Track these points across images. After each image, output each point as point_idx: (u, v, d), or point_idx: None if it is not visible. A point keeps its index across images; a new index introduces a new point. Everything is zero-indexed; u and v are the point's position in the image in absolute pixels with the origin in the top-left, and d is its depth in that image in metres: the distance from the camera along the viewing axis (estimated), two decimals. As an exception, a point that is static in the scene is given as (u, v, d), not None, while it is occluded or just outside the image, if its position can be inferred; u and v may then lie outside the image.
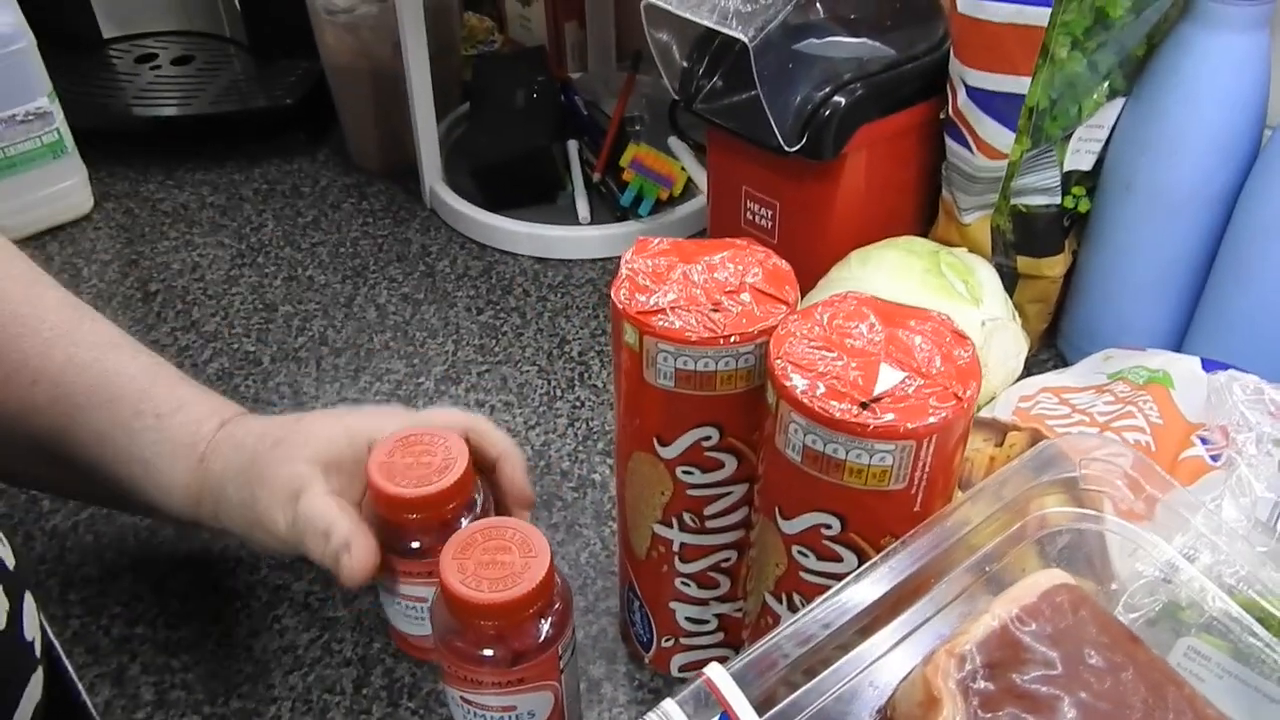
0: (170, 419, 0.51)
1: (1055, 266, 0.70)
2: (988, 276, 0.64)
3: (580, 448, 0.68)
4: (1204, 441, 0.50)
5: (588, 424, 0.70)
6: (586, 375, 0.74)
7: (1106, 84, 0.62)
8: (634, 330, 0.43)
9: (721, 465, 0.46)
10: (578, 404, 0.72)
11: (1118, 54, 0.60)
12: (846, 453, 0.38)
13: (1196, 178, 0.63)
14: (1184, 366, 0.58)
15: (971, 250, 0.70)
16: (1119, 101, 0.64)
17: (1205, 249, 0.65)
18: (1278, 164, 0.59)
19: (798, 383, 0.39)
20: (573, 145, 0.95)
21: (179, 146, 0.99)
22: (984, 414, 0.58)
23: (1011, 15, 0.56)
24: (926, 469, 0.39)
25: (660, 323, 0.42)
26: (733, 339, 0.42)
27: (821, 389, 0.38)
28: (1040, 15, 0.55)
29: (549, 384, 0.74)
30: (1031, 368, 0.75)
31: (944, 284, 0.62)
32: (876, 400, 0.38)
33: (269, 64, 1.04)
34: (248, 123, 1.00)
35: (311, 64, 0.99)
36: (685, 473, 0.46)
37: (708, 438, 0.45)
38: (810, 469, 0.40)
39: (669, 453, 0.46)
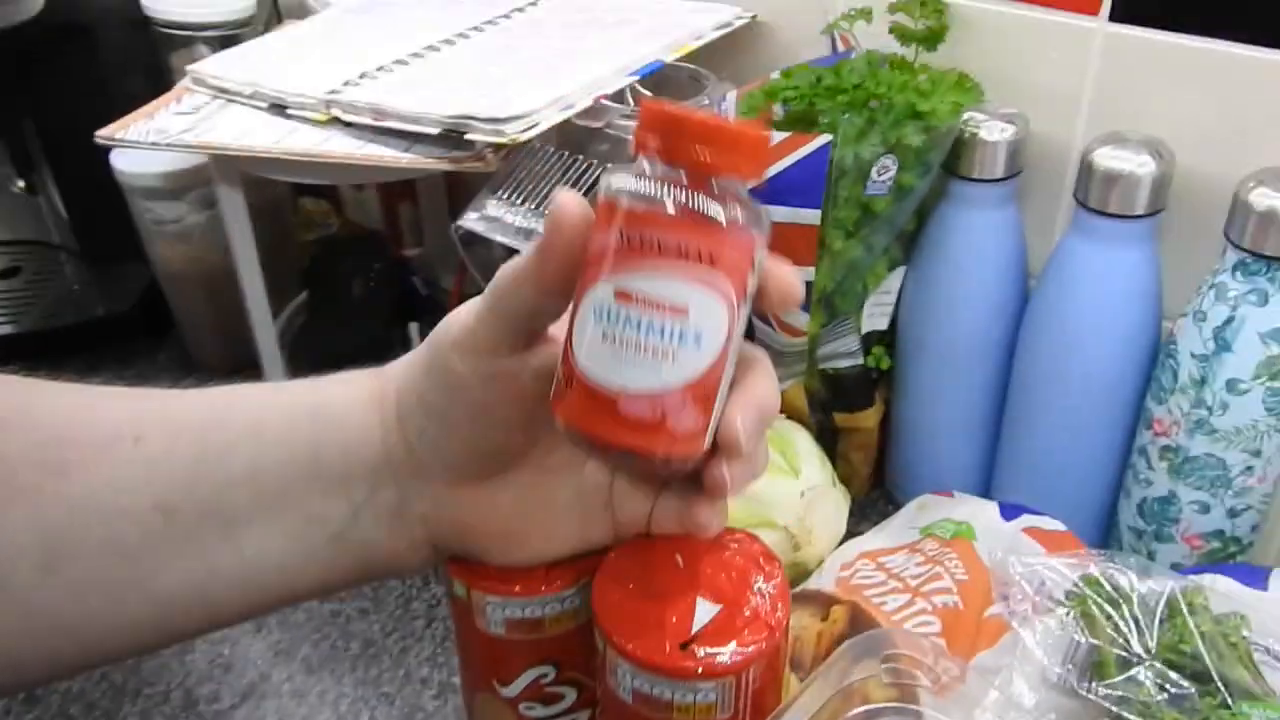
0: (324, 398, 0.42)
1: (869, 418, 0.75)
2: (804, 444, 0.68)
3: (439, 650, 0.69)
4: (1003, 598, 0.55)
5: (445, 623, 0.71)
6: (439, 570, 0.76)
7: (885, 258, 0.68)
8: (461, 584, 0.44)
9: (562, 698, 0.47)
10: (434, 602, 0.73)
11: (889, 234, 0.66)
12: (673, 694, 0.40)
13: (974, 334, 0.69)
14: (985, 516, 0.63)
15: (791, 412, 0.74)
16: (900, 269, 0.70)
17: (995, 395, 0.71)
18: (1040, 320, 0.66)
19: (620, 629, 0.40)
20: (414, 328, 0.97)
21: (13, 364, 0.98)
22: (810, 585, 0.61)
23: (788, 216, 0.61)
24: (749, 695, 0.41)
25: (486, 574, 0.43)
26: (556, 584, 0.43)
27: (643, 634, 0.40)
28: (813, 216, 0.61)
29: (404, 583, 0.75)
30: (864, 506, 0.79)
31: (763, 458, 0.66)
32: (695, 639, 0.40)
33: (103, 269, 1.04)
34: (86, 334, 0.99)
35: (146, 266, 0.99)
36: (528, 708, 0.47)
37: (545, 675, 0.46)
38: (642, 709, 0.41)
39: (509, 692, 0.46)
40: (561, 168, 0.64)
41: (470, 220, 0.63)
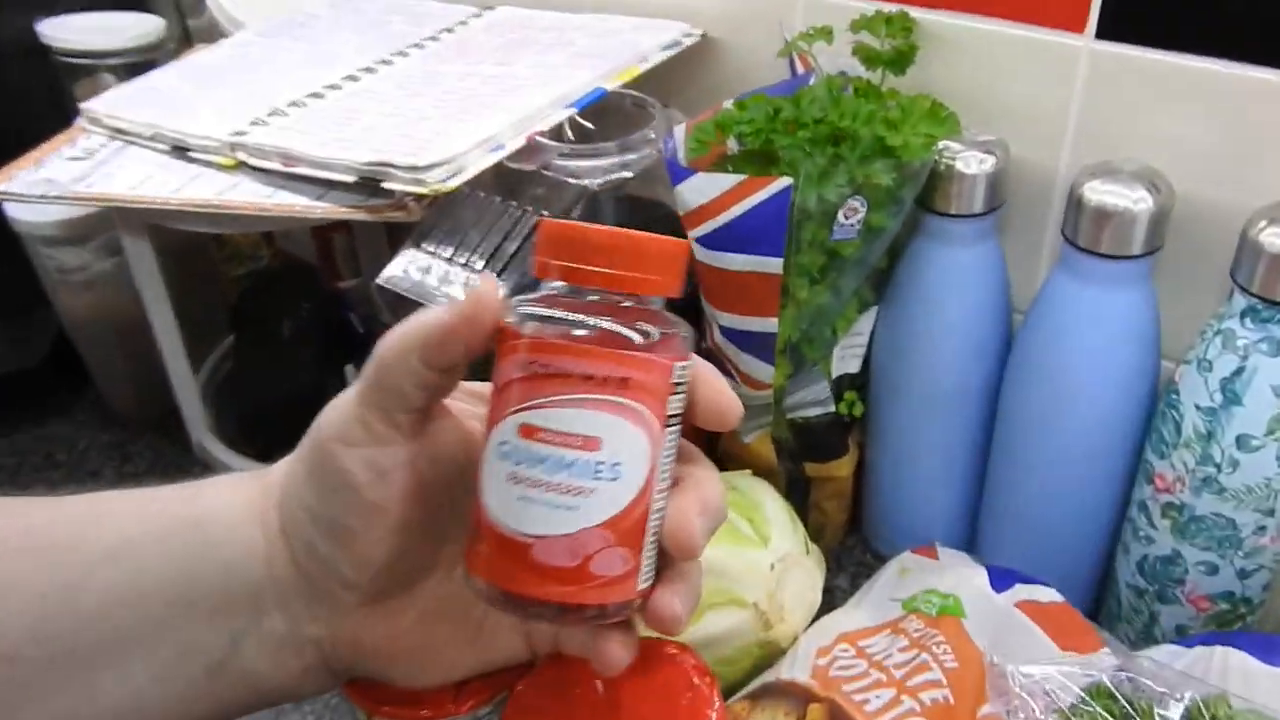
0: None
1: (843, 467, 0.69)
2: (773, 508, 0.62)
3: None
4: (1000, 694, 0.49)
5: None
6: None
7: (856, 300, 0.62)
8: (361, 711, 0.39)
9: None
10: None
11: (859, 276, 0.60)
12: None
13: (954, 377, 0.63)
14: (974, 587, 0.57)
15: (757, 464, 0.68)
16: (873, 310, 0.64)
17: (979, 441, 0.65)
18: (1027, 364, 0.60)
19: None
20: (350, 370, 0.90)
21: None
22: (784, 674, 0.55)
23: (747, 264, 0.55)
24: None
25: (388, 696, 0.38)
26: (468, 703, 0.38)
27: None
28: (775, 264, 0.55)
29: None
30: (840, 555, 0.74)
31: (728, 528, 0.60)
32: None
33: (9, 321, 0.96)
34: (-5, 389, 0.91)
35: (55, 317, 0.92)
36: None
37: None
38: None
39: None
40: (494, 215, 0.57)
41: (393, 276, 0.56)
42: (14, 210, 0.79)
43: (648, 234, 0.32)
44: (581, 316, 0.31)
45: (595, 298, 0.32)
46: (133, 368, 0.88)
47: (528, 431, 0.31)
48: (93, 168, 0.68)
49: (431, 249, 0.57)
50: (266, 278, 1.01)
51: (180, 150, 0.67)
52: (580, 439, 0.31)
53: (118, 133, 0.70)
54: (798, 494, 0.69)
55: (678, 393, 0.32)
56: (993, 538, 0.66)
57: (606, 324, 0.31)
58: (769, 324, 0.58)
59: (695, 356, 0.34)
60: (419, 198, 0.57)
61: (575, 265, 0.31)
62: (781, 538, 0.61)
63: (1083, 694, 0.42)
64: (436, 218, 0.58)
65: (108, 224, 0.79)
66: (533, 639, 0.38)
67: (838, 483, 0.70)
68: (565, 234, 0.32)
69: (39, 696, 0.35)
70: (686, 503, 0.33)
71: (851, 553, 0.75)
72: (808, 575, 0.61)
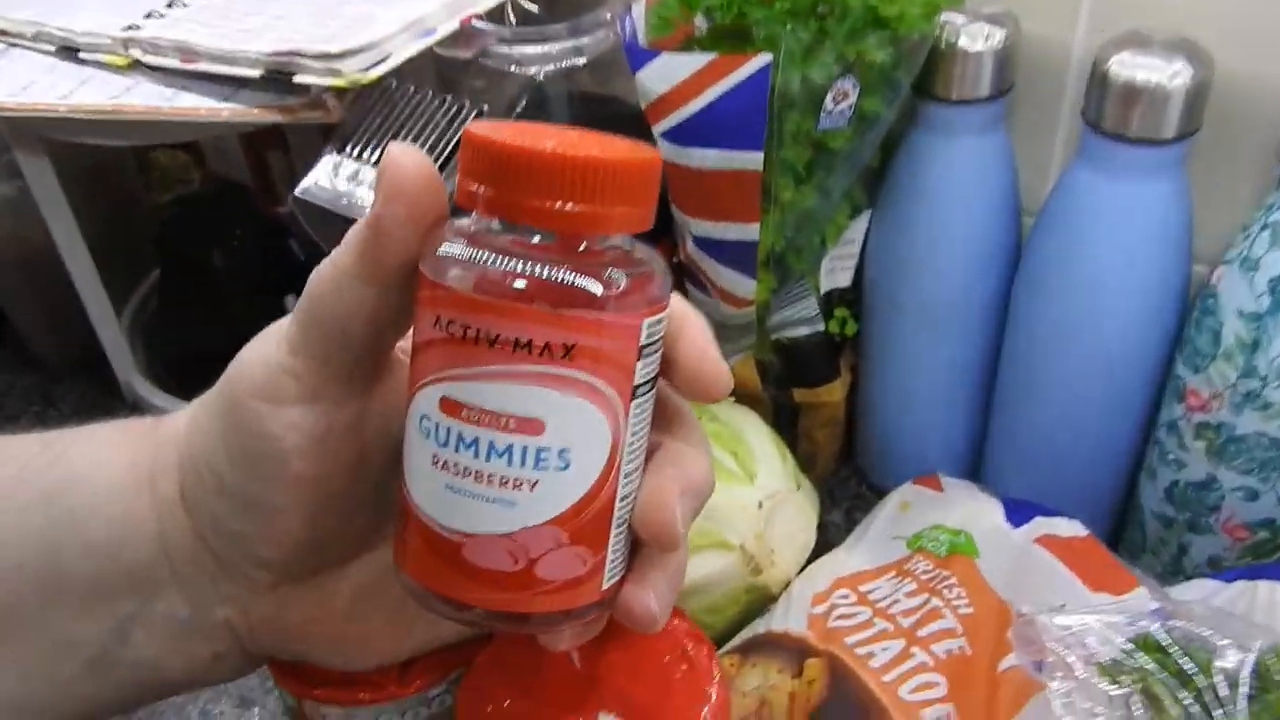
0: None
1: (834, 392, 0.62)
2: (758, 439, 0.55)
3: None
4: (1026, 642, 0.43)
5: None
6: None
7: (846, 203, 0.55)
8: (289, 694, 0.34)
9: None
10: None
11: (850, 175, 0.53)
12: None
13: (958, 287, 0.56)
14: (986, 521, 0.51)
15: (741, 389, 0.61)
16: (865, 214, 0.57)
17: (986, 359, 0.59)
18: (1040, 269, 0.53)
19: None
20: (291, 301, 0.82)
21: None
22: (775, 626, 0.49)
23: (722, 161, 0.48)
24: None
25: (320, 678, 0.33)
26: (415, 683, 0.33)
27: None
28: (753, 159, 0.47)
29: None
30: (833, 488, 0.68)
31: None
32: None
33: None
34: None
35: (-40, 253, 0.83)
36: None
37: None
38: None
39: None
40: (426, 113, 0.49)
41: (310, 187, 0.49)
42: (-108, 130, 0.70)
43: (605, 144, 0.24)
44: (516, 262, 0.24)
45: (537, 238, 0.24)
46: (50, 305, 0.80)
47: (450, 407, 0.24)
48: (-31, 75, 0.59)
49: (356, 152, 0.49)
50: (194, 202, 0.92)
51: (68, 51, 0.58)
52: (515, 420, 0.24)
53: (-2, 34, 0.61)
54: (785, 423, 0.63)
55: (648, 355, 0.25)
56: (1000, 466, 0.60)
57: (549, 273, 0.24)
58: (749, 231, 0.50)
59: (676, 300, 0.26)
60: (338, 93, 0.49)
61: (508, 198, 0.24)
62: (769, 473, 0.54)
63: (1128, 646, 0.36)
64: (361, 117, 0.50)
65: (3, 143, 0.71)
66: None
67: (829, 409, 0.63)
68: (495, 153, 0.24)
69: None
70: (663, 482, 0.26)
71: (846, 485, 0.68)
72: (799, 513, 0.54)
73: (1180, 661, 0.35)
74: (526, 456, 0.24)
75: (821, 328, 0.59)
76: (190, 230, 0.83)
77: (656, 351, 0.26)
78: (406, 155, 0.25)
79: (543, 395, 0.24)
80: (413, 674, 0.33)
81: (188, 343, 0.77)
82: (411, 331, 0.26)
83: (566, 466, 0.24)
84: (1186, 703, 0.35)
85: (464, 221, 0.25)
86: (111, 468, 0.30)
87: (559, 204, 0.23)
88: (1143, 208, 0.49)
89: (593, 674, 0.31)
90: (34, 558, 0.29)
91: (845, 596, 0.49)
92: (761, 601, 0.53)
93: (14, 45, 0.61)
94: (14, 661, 0.30)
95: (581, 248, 0.24)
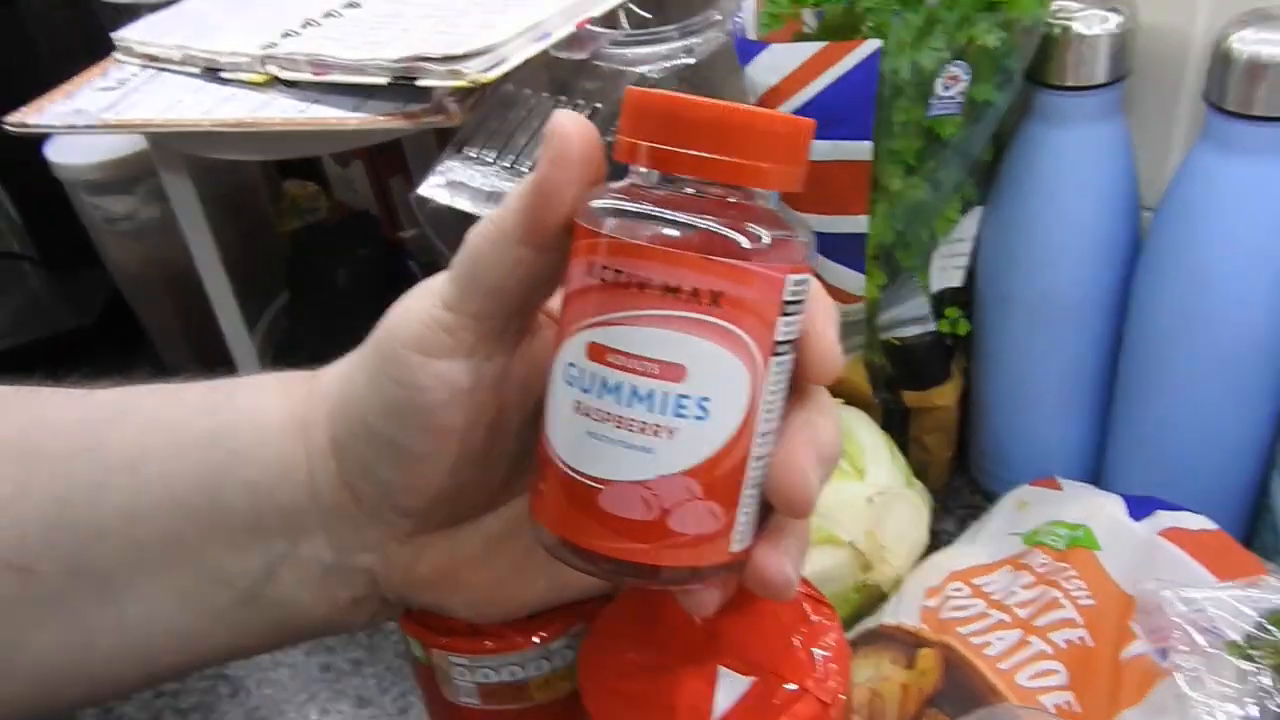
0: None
1: (946, 395, 0.61)
2: (868, 437, 0.55)
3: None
4: (1151, 631, 0.41)
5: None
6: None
7: (957, 197, 0.54)
8: (418, 643, 0.34)
9: None
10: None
11: (962, 167, 0.52)
12: None
13: (1075, 282, 0.55)
14: (1107, 516, 0.50)
15: (850, 394, 0.61)
16: (976, 210, 0.56)
17: (1105, 356, 0.57)
18: (1163, 257, 0.51)
19: (615, 714, 0.30)
20: (411, 318, 0.85)
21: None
22: (887, 620, 0.48)
23: (829, 152, 0.48)
24: None
25: (449, 628, 0.33)
26: (540, 636, 0.33)
27: None
28: (862, 149, 0.47)
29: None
30: (945, 499, 0.66)
31: (818, 457, 0.53)
32: None
33: (66, 276, 0.93)
34: (51, 349, 0.89)
35: (108, 273, 0.89)
36: None
37: None
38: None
39: None
40: (541, 114, 0.51)
41: (432, 185, 0.51)
42: (53, 155, 0.76)
43: (761, 109, 0.25)
44: (670, 213, 0.25)
45: (691, 190, 0.25)
46: (187, 324, 0.85)
47: (596, 353, 0.25)
48: (122, 96, 0.63)
49: (474, 154, 0.52)
50: (323, 229, 0.97)
51: (212, 72, 0.62)
52: (659, 365, 0.25)
53: (149, 60, 0.66)
54: (896, 428, 0.62)
55: (790, 313, 0.26)
56: (1122, 468, 0.58)
57: (701, 223, 0.25)
58: (858, 223, 0.51)
59: (815, 283, 0.27)
60: (460, 96, 0.51)
61: (665, 147, 0.25)
62: (879, 469, 0.54)
63: (1260, 621, 0.34)
64: (480, 120, 0.52)
65: (151, 168, 0.75)
66: None
67: (940, 413, 0.62)
68: (655, 106, 0.25)
69: (58, 613, 0.31)
70: (797, 448, 0.26)
71: (959, 494, 0.67)
72: (911, 511, 0.53)
73: (1320, 637, 0.34)
74: (667, 403, 0.25)
75: (932, 327, 0.58)
76: (318, 253, 0.87)
77: (797, 313, 0.26)
78: (571, 121, 0.26)
79: (687, 341, 0.25)
80: (536, 625, 0.33)
81: (314, 359, 0.80)
82: (560, 293, 0.27)
83: (705, 416, 0.25)
84: (1328, 680, 0.33)
85: (619, 183, 0.26)
86: (271, 414, 0.32)
87: (717, 155, 0.24)
88: (1270, 188, 0.47)
89: (713, 631, 0.32)
90: (196, 493, 0.31)
91: (959, 589, 0.48)
92: (872, 601, 0.53)
93: (164, 70, 0.65)
94: (174, 592, 0.32)
95: (733, 199, 0.25)
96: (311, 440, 0.31)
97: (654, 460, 0.25)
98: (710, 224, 0.25)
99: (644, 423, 0.25)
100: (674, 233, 0.24)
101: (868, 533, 0.51)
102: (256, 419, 0.32)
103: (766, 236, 0.25)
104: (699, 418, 0.25)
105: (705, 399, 0.25)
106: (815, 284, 0.27)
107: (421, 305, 0.28)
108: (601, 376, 0.25)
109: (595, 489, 0.25)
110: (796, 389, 0.27)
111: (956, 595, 0.47)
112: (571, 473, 0.26)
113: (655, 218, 0.25)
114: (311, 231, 0.96)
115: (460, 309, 0.27)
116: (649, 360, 0.25)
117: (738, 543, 0.27)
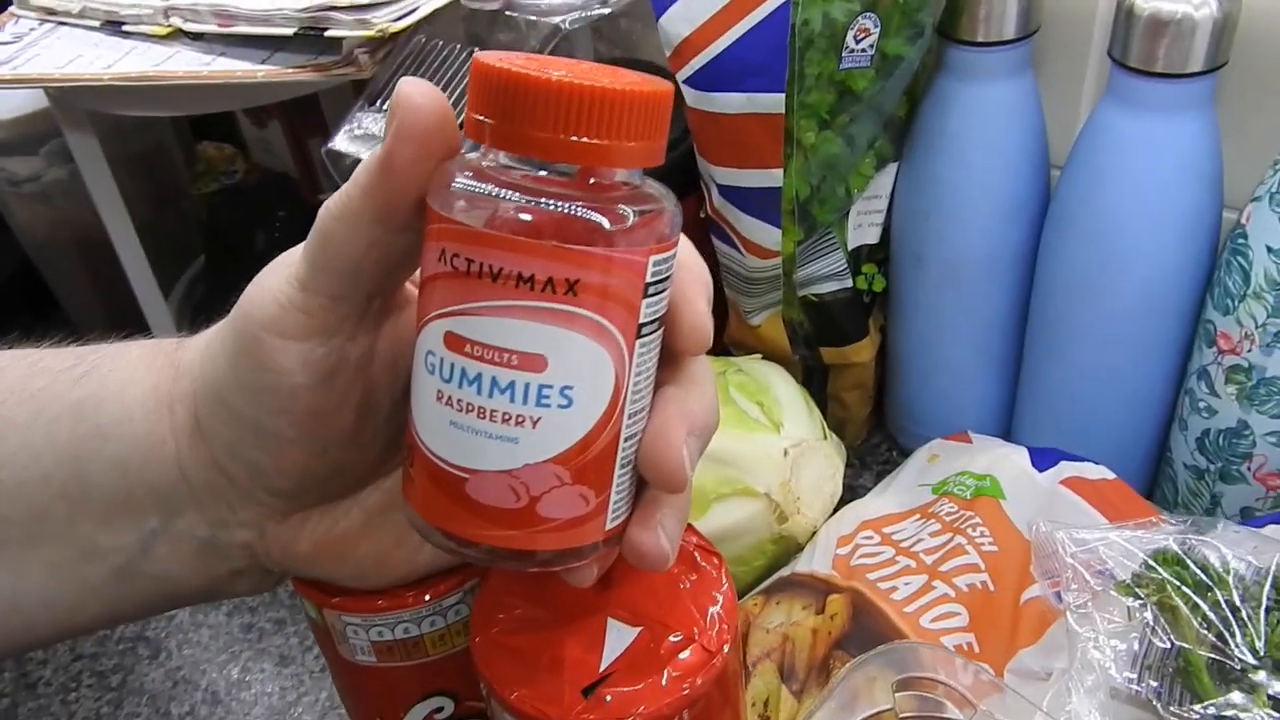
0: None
1: (863, 351, 0.62)
2: (785, 390, 0.55)
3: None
4: (1047, 575, 0.42)
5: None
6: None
7: (872, 154, 0.55)
8: (311, 604, 0.34)
9: None
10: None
11: (875, 122, 0.53)
12: None
13: (986, 240, 0.56)
14: (1012, 466, 0.51)
15: (770, 349, 0.61)
16: (891, 167, 0.57)
17: (1015, 314, 0.58)
18: (1068, 214, 0.52)
19: (503, 672, 0.30)
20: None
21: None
22: (801, 568, 0.49)
23: (745, 105, 0.48)
24: None
25: (340, 589, 0.33)
26: (433, 592, 0.33)
27: (533, 677, 0.30)
28: (775, 101, 0.47)
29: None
30: (863, 454, 0.67)
31: (735, 412, 0.53)
32: (604, 680, 0.29)
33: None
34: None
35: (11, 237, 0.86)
36: None
37: (440, 709, 0.36)
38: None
39: None
40: (454, 66, 0.50)
41: (344, 139, 0.50)
42: (-49, 112, 0.73)
43: (616, 75, 0.24)
44: (521, 195, 0.23)
45: (545, 171, 0.24)
46: (100, 289, 0.82)
47: (454, 343, 0.24)
48: (19, 50, 0.61)
49: (383, 106, 0.51)
50: (240, 191, 0.95)
51: (113, 25, 0.60)
52: (518, 356, 0.24)
53: (47, 13, 0.63)
54: (815, 385, 0.63)
55: (654, 293, 0.25)
56: (1030, 423, 0.60)
57: (555, 207, 0.23)
58: (773, 177, 0.51)
59: (683, 242, 0.26)
60: (371, 48, 0.50)
61: (516, 130, 0.23)
62: (795, 422, 0.54)
63: (1146, 560, 0.35)
64: (392, 73, 0.52)
65: (56, 128, 0.73)
66: None
67: (858, 370, 0.63)
68: (502, 83, 0.23)
69: None
70: (668, 422, 0.26)
71: (877, 450, 0.68)
72: (826, 462, 0.54)
73: (1198, 574, 0.35)
74: (529, 393, 0.24)
75: (849, 284, 0.59)
76: (235, 216, 0.85)
77: (664, 290, 0.25)
78: (418, 91, 0.24)
79: (545, 331, 0.24)
80: (428, 584, 0.33)
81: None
82: (420, 267, 0.26)
83: (569, 404, 0.24)
84: (1206, 613, 0.34)
85: (474, 155, 0.25)
86: (136, 388, 0.30)
87: (567, 136, 0.23)
88: (1171, 145, 0.48)
89: (603, 582, 0.32)
90: (61, 469, 0.30)
91: (869, 538, 0.49)
92: (788, 552, 0.53)
93: (62, 23, 0.63)
94: (44, 565, 0.31)
95: (590, 181, 0.24)
96: (176, 418, 0.30)
97: (519, 450, 0.24)
98: (565, 208, 0.23)
99: (506, 413, 0.24)
100: (525, 218, 0.23)
101: (783, 484, 0.52)
102: (123, 393, 0.30)
103: (628, 218, 0.24)
104: (563, 406, 0.24)
105: (568, 387, 0.24)
106: (684, 252, 0.26)
107: (277, 285, 0.27)
108: (461, 367, 0.24)
109: (462, 478, 0.25)
110: (668, 360, 0.27)
111: (867, 543, 0.48)
112: (438, 461, 0.25)
113: (507, 202, 0.23)
114: (228, 194, 0.94)
115: (315, 290, 0.26)
116: (508, 351, 0.24)
117: (613, 520, 0.26)
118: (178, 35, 0.57)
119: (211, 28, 0.55)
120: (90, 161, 0.69)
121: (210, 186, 0.96)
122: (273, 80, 0.53)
